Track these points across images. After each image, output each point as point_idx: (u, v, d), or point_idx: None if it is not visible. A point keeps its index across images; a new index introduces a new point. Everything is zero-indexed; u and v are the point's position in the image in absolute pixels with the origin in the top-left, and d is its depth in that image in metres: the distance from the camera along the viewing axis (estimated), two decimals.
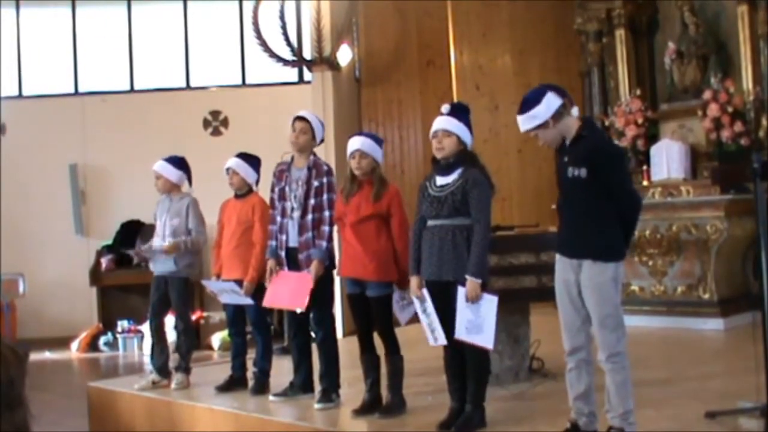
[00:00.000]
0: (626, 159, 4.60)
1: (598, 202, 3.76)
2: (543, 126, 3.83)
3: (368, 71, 11.17)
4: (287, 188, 5.09)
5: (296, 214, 5.02)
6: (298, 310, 5.03)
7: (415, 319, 4.53)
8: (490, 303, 4.07)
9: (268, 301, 5.20)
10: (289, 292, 4.99)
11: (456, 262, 4.15)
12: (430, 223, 4.28)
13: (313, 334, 5.16)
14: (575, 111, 3.89)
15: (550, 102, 3.82)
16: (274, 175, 5.22)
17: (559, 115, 3.82)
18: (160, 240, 5.85)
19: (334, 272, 5.00)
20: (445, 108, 4.34)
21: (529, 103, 3.87)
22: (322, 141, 5.23)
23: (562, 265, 3.90)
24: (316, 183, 5.01)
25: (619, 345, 3.75)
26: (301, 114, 5.15)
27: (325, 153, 8.91)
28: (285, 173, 5.14)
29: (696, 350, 6.53)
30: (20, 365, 1.98)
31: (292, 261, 5.05)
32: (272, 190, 5.20)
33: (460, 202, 4.17)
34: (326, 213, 4.97)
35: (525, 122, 3.87)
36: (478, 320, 4.07)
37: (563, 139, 3.89)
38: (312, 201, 4.99)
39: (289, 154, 5.20)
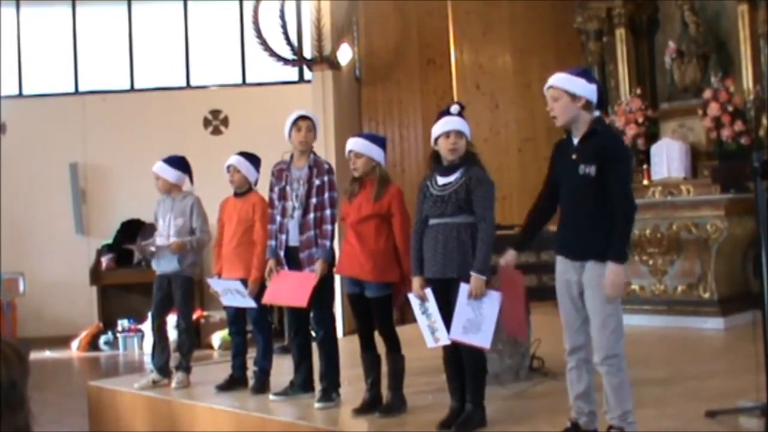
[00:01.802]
0: (632, 162, 4.56)
1: (605, 202, 3.73)
2: (571, 96, 3.77)
3: (368, 70, 11.18)
4: (288, 187, 5.06)
5: (297, 213, 5.00)
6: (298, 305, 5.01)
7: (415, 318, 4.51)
8: (493, 300, 4.08)
9: (268, 298, 5.19)
10: (290, 289, 4.97)
11: (461, 260, 4.16)
12: (433, 221, 4.27)
13: (313, 334, 5.16)
14: (596, 113, 3.87)
15: (593, 90, 3.81)
16: (273, 174, 5.19)
17: (587, 103, 3.80)
18: (163, 240, 5.84)
19: (334, 271, 4.99)
20: (455, 108, 4.33)
21: (581, 72, 3.87)
22: None
23: (563, 266, 3.88)
24: (317, 181, 5.00)
25: (617, 346, 3.72)
26: (304, 113, 5.14)
27: (325, 152, 8.91)
28: (285, 172, 5.11)
29: (696, 350, 6.52)
30: (23, 366, 1.96)
31: (293, 260, 5.04)
32: (271, 190, 5.17)
33: (464, 200, 4.17)
34: (327, 211, 4.96)
35: (562, 79, 3.82)
36: (479, 318, 4.07)
37: (569, 135, 3.88)
38: (314, 200, 4.98)
39: (288, 153, 5.19)
